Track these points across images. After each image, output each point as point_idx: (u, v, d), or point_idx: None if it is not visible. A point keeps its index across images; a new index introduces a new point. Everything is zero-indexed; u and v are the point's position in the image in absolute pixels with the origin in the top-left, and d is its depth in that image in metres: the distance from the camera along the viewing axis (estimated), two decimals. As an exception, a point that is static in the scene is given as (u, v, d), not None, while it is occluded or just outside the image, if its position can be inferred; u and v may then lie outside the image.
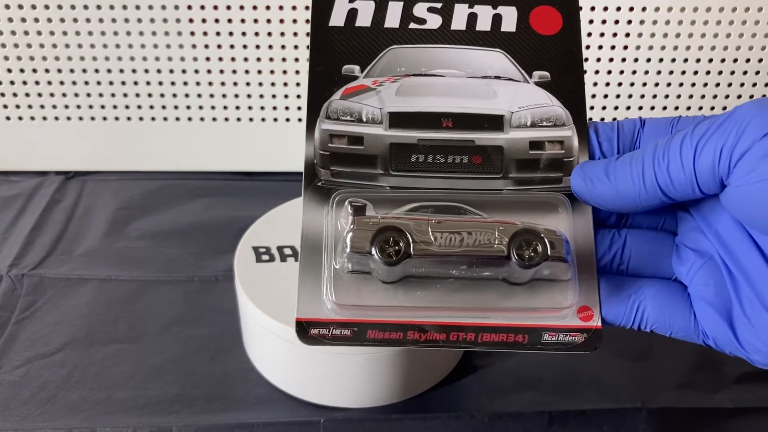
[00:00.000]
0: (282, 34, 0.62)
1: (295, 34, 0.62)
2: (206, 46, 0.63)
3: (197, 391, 0.49)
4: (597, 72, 0.65)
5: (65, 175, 0.69)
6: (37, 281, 0.57)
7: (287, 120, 0.67)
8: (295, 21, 0.61)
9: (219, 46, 0.63)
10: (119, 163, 0.69)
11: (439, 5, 0.36)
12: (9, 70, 0.63)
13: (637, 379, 0.51)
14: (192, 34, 0.62)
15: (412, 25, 0.35)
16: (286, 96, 0.65)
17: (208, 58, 0.63)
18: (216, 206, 0.66)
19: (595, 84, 0.65)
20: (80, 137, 0.67)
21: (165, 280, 0.58)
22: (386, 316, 0.31)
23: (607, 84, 0.65)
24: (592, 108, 0.67)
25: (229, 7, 0.61)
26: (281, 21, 0.62)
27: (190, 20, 0.61)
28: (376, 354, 0.46)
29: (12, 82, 0.64)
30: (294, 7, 0.61)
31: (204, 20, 0.61)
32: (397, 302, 0.32)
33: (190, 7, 0.61)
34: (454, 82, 0.35)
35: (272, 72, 0.64)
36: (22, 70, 0.63)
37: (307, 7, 0.61)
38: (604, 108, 0.67)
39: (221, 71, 0.64)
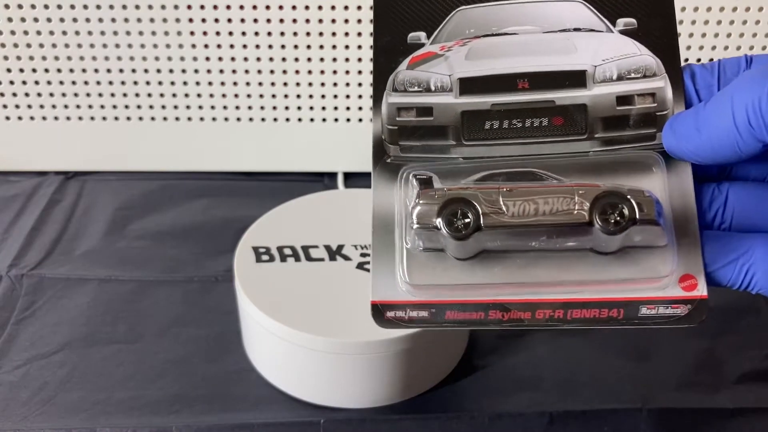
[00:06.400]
0: (282, 33, 0.62)
1: (295, 33, 0.62)
2: (206, 46, 0.63)
3: (197, 392, 0.49)
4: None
5: (65, 175, 0.69)
6: (37, 281, 0.57)
7: (287, 120, 0.67)
8: (295, 21, 0.61)
9: (219, 46, 0.63)
10: (119, 163, 0.69)
11: None
12: (9, 70, 0.63)
13: (637, 379, 0.51)
14: (192, 34, 0.62)
15: None
16: (285, 96, 0.65)
17: (208, 58, 0.63)
18: (216, 206, 0.66)
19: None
20: (80, 137, 0.67)
21: (165, 280, 0.58)
22: (465, 295, 0.29)
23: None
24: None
25: (229, 7, 0.61)
26: (281, 21, 0.61)
27: (190, 20, 0.61)
28: (376, 354, 0.46)
29: (12, 82, 0.64)
30: (294, 7, 0.61)
31: (204, 20, 0.61)
32: (475, 279, 0.30)
33: (189, 7, 0.61)
34: (528, 39, 0.32)
35: (272, 72, 0.64)
36: (21, 70, 0.63)
37: (307, 7, 0.61)
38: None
39: (221, 71, 0.64)
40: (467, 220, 0.29)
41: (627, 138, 0.30)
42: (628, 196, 0.28)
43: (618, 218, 0.28)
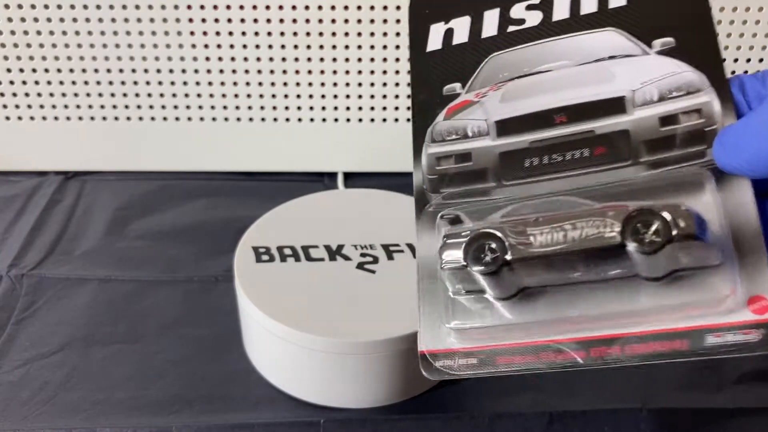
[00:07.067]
0: (282, 33, 0.62)
1: (295, 33, 0.62)
2: (206, 46, 0.63)
3: (197, 392, 0.49)
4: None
5: (65, 175, 0.69)
6: (37, 281, 0.57)
7: (287, 120, 0.67)
8: (294, 21, 0.61)
9: (219, 46, 0.63)
10: (119, 163, 0.69)
11: (537, 0, 0.33)
12: (9, 70, 0.63)
13: (638, 379, 0.51)
14: (192, 34, 0.62)
15: (511, 28, 0.33)
16: (285, 96, 0.65)
17: (208, 58, 0.63)
18: (216, 206, 0.66)
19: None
20: (80, 137, 0.67)
21: (165, 280, 0.58)
22: (513, 337, 0.28)
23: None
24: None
25: (228, 7, 0.61)
26: (281, 21, 0.61)
27: (190, 20, 0.61)
28: (376, 354, 0.46)
29: (12, 82, 0.64)
30: (294, 7, 0.61)
31: (204, 20, 0.61)
32: (521, 319, 0.29)
33: (189, 7, 0.61)
34: (562, 73, 0.32)
35: (272, 72, 0.64)
36: (21, 70, 0.63)
37: (307, 7, 0.61)
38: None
39: (221, 71, 0.64)
40: (495, 255, 0.28)
41: (675, 158, 0.29)
42: (662, 213, 0.26)
43: (653, 236, 0.26)
